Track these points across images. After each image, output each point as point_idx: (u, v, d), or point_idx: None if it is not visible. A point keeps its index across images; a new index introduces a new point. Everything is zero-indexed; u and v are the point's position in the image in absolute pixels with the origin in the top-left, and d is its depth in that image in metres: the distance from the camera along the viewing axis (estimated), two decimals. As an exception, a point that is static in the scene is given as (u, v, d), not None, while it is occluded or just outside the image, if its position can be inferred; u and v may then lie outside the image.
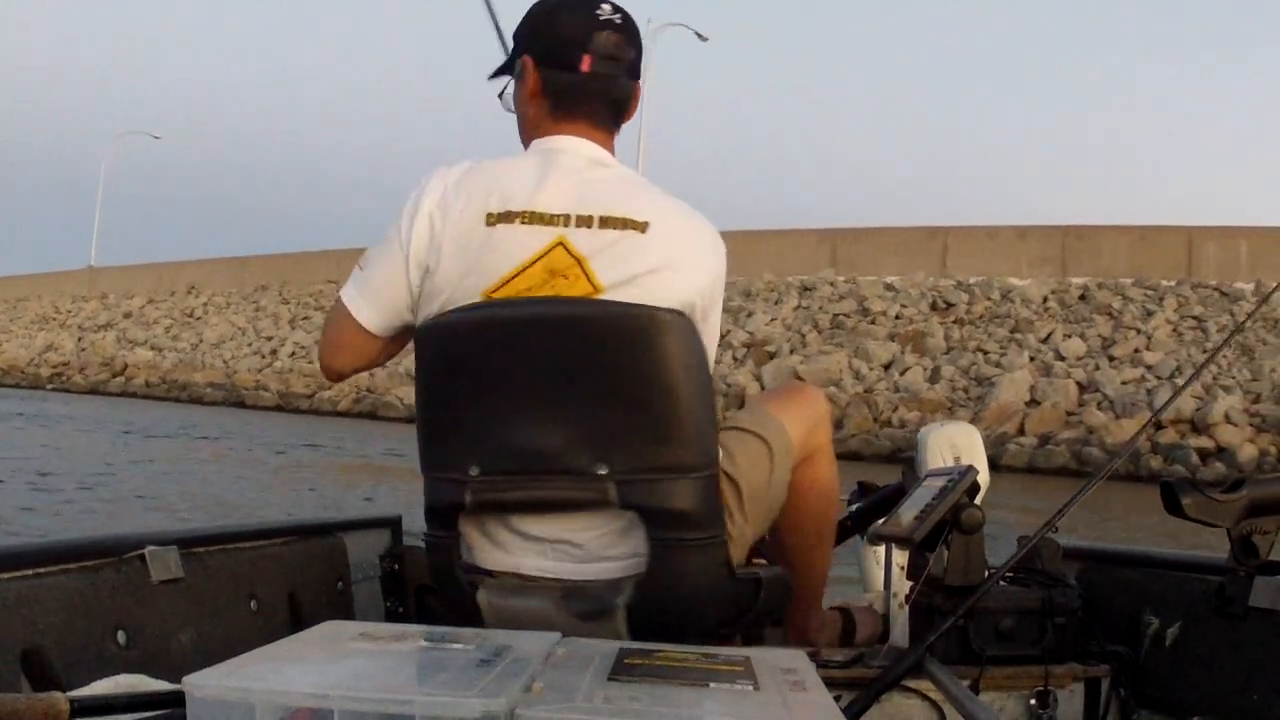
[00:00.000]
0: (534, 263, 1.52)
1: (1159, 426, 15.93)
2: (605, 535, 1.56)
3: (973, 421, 16.11)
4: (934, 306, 23.00)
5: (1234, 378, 17.96)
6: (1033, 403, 17.67)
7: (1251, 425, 16.43)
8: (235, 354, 30.48)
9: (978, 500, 1.74)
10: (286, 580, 1.94)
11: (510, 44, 1.72)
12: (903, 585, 1.92)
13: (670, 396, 1.50)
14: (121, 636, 1.52)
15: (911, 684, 1.61)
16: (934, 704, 1.62)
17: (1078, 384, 18.20)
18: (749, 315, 24.13)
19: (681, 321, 1.52)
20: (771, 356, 21.67)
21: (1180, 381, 17.34)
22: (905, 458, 2.36)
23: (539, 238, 1.52)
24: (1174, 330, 20.49)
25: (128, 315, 37.30)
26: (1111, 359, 19.32)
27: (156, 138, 59.57)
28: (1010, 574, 1.73)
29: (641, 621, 1.52)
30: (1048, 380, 18.33)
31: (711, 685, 1.01)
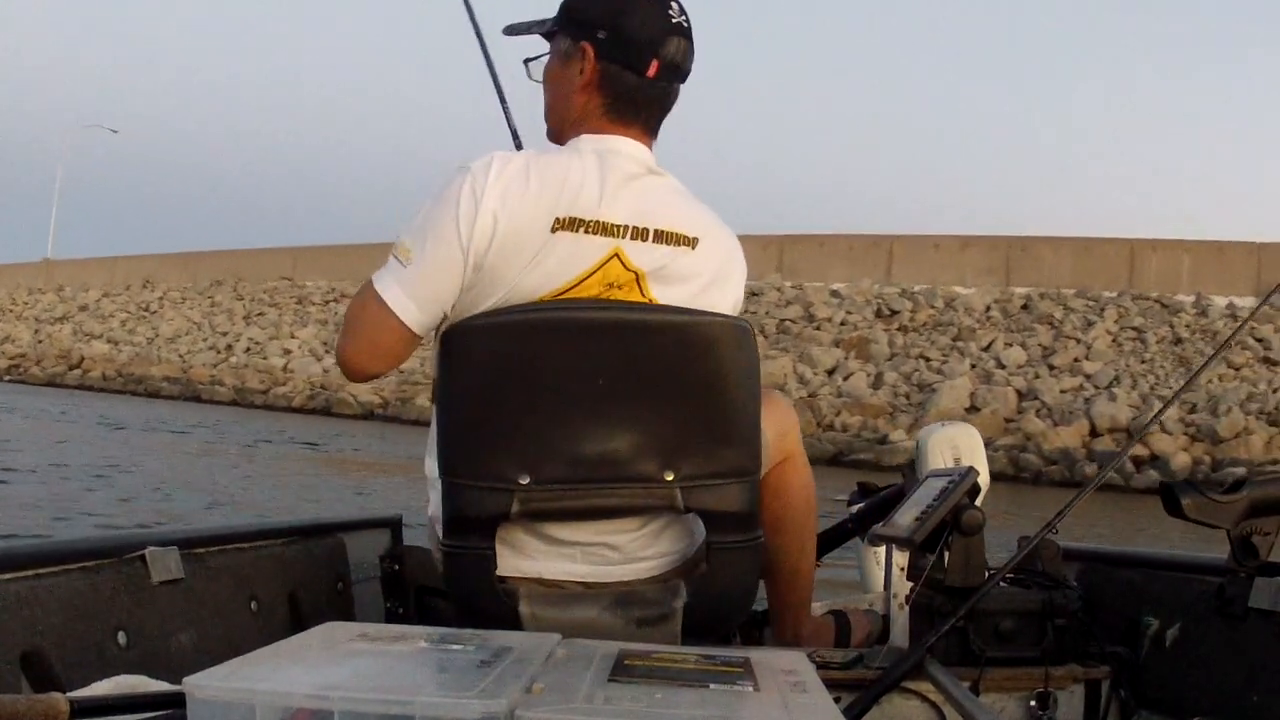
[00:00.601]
0: (592, 273, 1.50)
1: (1094, 433, 16.72)
2: (641, 537, 1.57)
3: (913, 427, 17.22)
4: (879, 314, 23.60)
5: (1170, 388, 18.56)
6: (972, 409, 18.08)
7: (1186, 434, 16.97)
8: (191, 349, 30.52)
9: (978, 502, 1.74)
10: (287, 581, 1.94)
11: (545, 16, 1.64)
12: (903, 586, 1.91)
13: (732, 402, 1.54)
14: (122, 637, 1.52)
15: (911, 685, 1.61)
16: (934, 705, 1.62)
17: (1017, 392, 18.71)
18: None
19: (745, 331, 1.56)
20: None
21: (1132, 391, 17.98)
22: (904, 460, 2.36)
23: (599, 248, 1.50)
24: (1114, 340, 21.06)
25: (84, 308, 37.16)
26: (1051, 368, 19.78)
27: (114, 131, 59.31)
28: (1010, 575, 1.73)
29: (695, 623, 1.54)
30: (988, 387, 18.82)
31: (711, 686, 1.01)
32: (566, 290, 1.50)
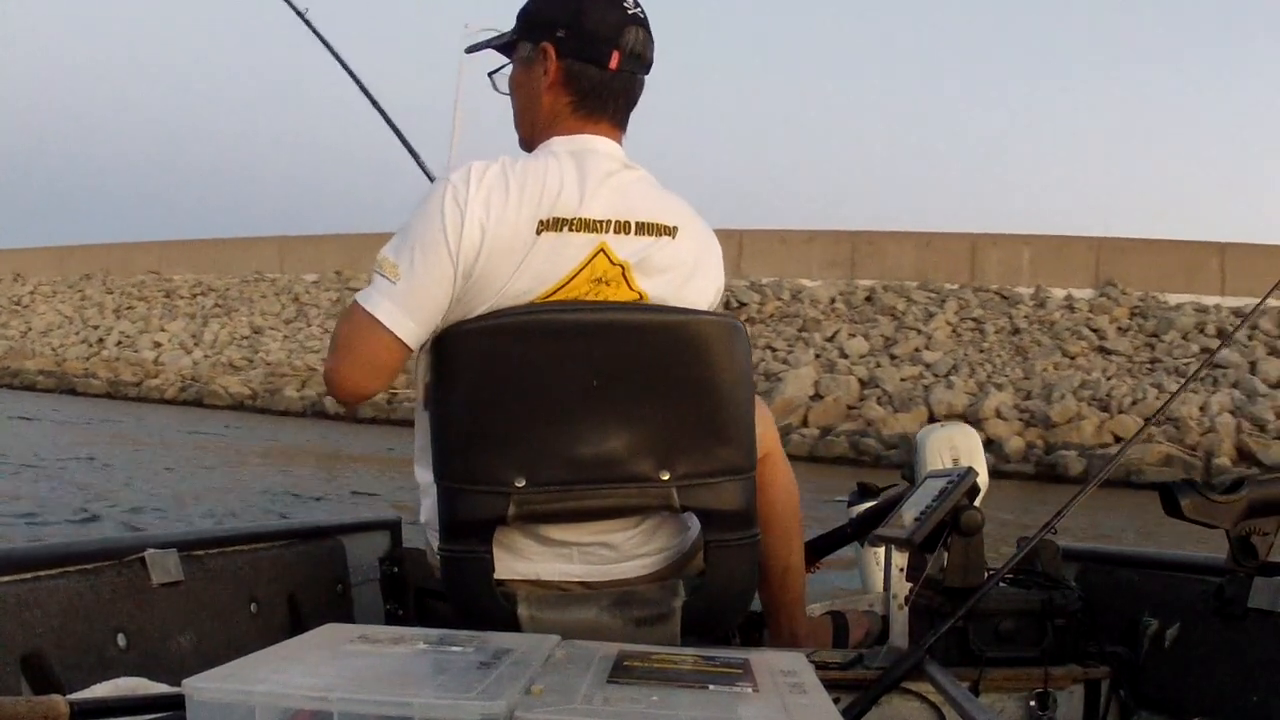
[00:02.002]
0: (580, 271, 1.51)
1: (932, 419, 17.19)
2: (638, 535, 1.58)
3: None
4: (728, 305, 24.19)
5: (1006, 376, 19.44)
6: (816, 397, 18.71)
7: (1020, 420, 17.70)
8: (64, 342, 30.47)
9: (977, 502, 1.74)
10: (286, 583, 1.94)
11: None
12: (902, 587, 1.91)
13: (727, 400, 1.54)
14: (121, 639, 1.52)
15: (911, 686, 1.61)
16: (933, 706, 1.62)
17: (859, 380, 19.34)
18: None
19: (737, 329, 1.56)
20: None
21: (968, 380, 18.65)
22: (903, 462, 2.36)
23: (584, 245, 1.52)
24: (953, 331, 21.88)
25: (-45, 304, 37.11)
26: (892, 357, 20.50)
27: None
28: (1010, 575, 1.73)
29: (693, 622, 1.54)
30: (831, 376, 19.39)
31: (711, 688, 1.01)
32: (555, 290, 1.51)
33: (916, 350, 20.72)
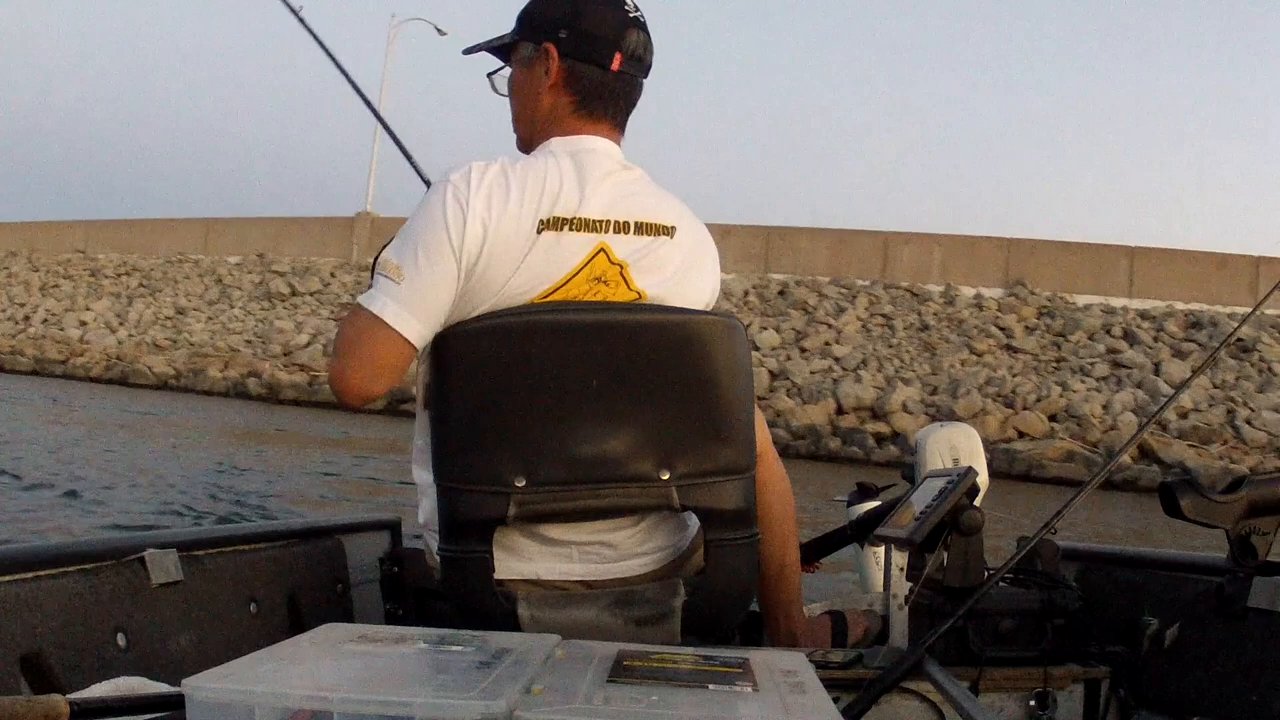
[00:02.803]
0: (580, 270, 1.52)
1: (840, 411, 18.38)
2: (637, 534, 1.58)
3: None
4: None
5: (914, 371, 20.13)
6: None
7: (926, 414, 18.16)
8: None
9: (977, 502, 1.74)
10: (286, 583, 1.94)
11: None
12: (902, 586, 1.91)
13: (726, 399, 1.54)
14: (121, 639, 1.52)
15: (911, 685, 1.61)
16: (933, 705, 1.62)
17: (770, 372, 19.90)
18: None
19: (737, 328, 1.57)
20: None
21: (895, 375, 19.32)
22: (904, 463, 2.36)
23: (584, 244, 1.52)
24: (863, 326, 22.61)
25: (-119, 280, 37.15)
26: (803, 350, 21.18)
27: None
28: (1009, 575, 1.73)
29: (694, 622, 1.54)
30: None
31: (711, 687, 1.01)
32: (555, 289, 1.51)
33: (827, 344, 21.42)
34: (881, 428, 18.03)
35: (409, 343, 1.48)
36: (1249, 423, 17.49)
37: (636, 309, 1.54)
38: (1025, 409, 18.25)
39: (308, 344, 24.41)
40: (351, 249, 30.98)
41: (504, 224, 1.48)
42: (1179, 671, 1.76)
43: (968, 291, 24.00)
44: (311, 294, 28.17)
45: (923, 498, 1.79)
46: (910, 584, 1.80)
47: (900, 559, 1.90)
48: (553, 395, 1.48)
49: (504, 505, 1.47)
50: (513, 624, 1.49)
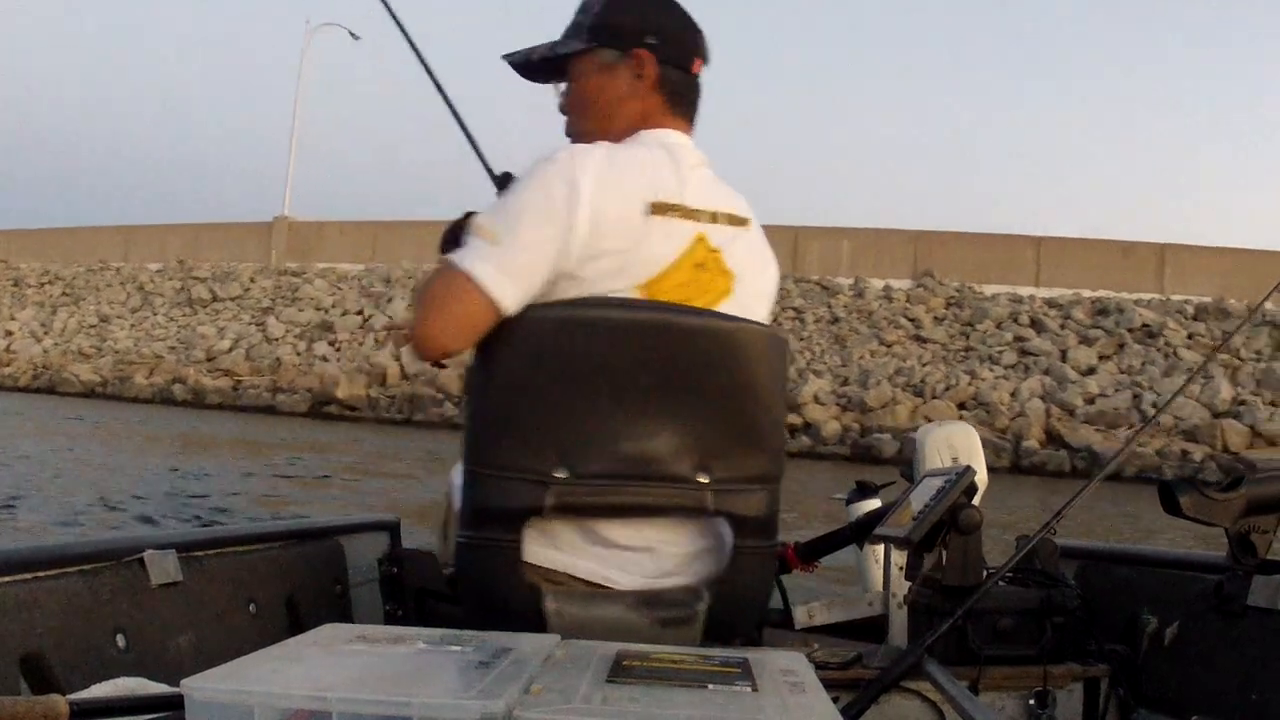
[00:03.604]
0: (684, 255, 1.54)
1: (846, 410, 18.54)
2: (667, 535, 1.58)
3: None
4: None
5: (825, 363, 20.66)
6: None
7: (837, 405, 18.84)
8: None
9: (976, 500, 1.75)
10: (285, 583, 1.94)
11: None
12: (901, 586, 1.92)
13: (766, 409, 1.58)
14: (120, 640, 1.52)
15: (910, 684, 1.61)
16: (933, 704, 1.62)
17: None
18: (389, 301, 25.94)
19: (783, 341, 1.62)
20: (410, 339, 22.97)
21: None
22: (903, 459, 2.37)
23: (687, 231, 1.55)
24: (774, 320, 22.78)
25: None
26: None
27: None
28: (1008, 574, 1.73)
29: (714, 626, 1.55)
30: None
31: (710, 687, 1.01)
32: (664, 274, 1.53)
33: (739, 339, 22.06)
34: (794, 419, 18.29)
35: (497, 304, 1.47)
36: (1154, 406, 17.95)
37: (693, 312, 1.55)
38: (935, 398, 18.72)
39: (230, 349, 24.59)
40: (270, 253, 31.13)
41: (613, 205, 1.49)
42: (1178, 670, 1.76)
43: (877, 283, 24.45)
44: (232, 299, 28.30)
45: (921, 497, 1.79)
46: (909, 583, 1.80)
47: (899, 558, 1.90)
48: (602, 390, 1.48)
49: (541, 495, 1.46)
50: (537, 618, 1.47)
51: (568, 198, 1.47)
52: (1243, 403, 17.88)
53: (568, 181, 1.48)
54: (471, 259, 1.47)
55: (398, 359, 22.10)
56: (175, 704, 0.99)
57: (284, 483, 10.22)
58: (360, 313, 25.64)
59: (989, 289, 24.00)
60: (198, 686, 0.91)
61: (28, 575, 1.43)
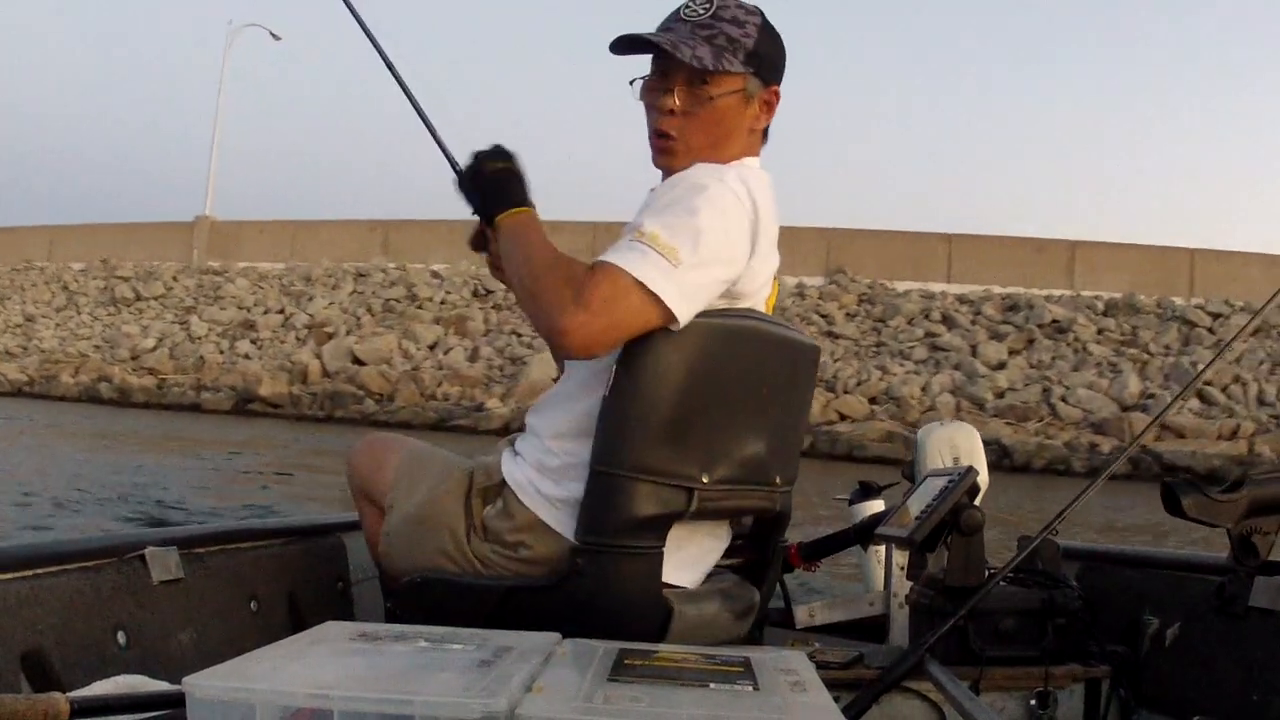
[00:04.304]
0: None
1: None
2: (725, 539, 1.67)
3: (506, 396, 19.53)
4: (475, 293, 25.60)
5: None
6: (558, 379, 19.41)
7: None
8: None
9: (977, 501, 1.74)
10: (287, 581, 1.94)
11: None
12: (903, 586, 1.92)
13: (806, 417, 1.74)
14: (122, 637, 1.52)
15: (911, 685, 1.61)
16: (934, 705, 1.62)
17: None
18: (310, 299, 26.30)
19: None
20: (330, 337, 23.86)
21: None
22: (905, 461, 2.36)
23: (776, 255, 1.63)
24: None
25: None
26: None
27: None
28: (1010, 574, 1.73)
29: (760, 614, 1.70)
30: None
31: (711, 686, 1.01)
32: (772, 285, 1.62)
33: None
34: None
35: (674, 321, 1.43)
36: (1064, 400, 18.31)
37: (795, 328, 1.68)
38: (846, 393, 18.98)
39: (154, 348, 24.71)
40: (192, 253, 31.24)
41: (772, 230, 1.55)
42: (1180, 671, 1.76)
43: (790, 280, 24.60)
44: (156, 298, 28.38)
45: (923, 497, 1.79)
46: (911, 583, 1.80)
47: (901, 558, 1.90)
48: (735, 397, 1.54)
49: (686, 501, 1.48)
50: (659, 622, 1.47)
51: (750, 225, 1.49)
52: (1151, 396, 18.25)
53: (745, 208, 1.48)
54: (653, 275, 1.41)
55: (318, 356, 22.49)
56: (176, 701, 0.98)
57: (215, 476, 10.26)
58: (281, 311, 25.91)
59: (901, 285, 24.38)
60: (199, 684, 0.91)
61: (29, 573, 1.43)
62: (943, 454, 2.17)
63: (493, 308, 24.60)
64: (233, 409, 20.74)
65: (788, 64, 1.63)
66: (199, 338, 25.08)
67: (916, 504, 1.79)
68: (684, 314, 1.43)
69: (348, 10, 1.93)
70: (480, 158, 1.58)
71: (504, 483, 1.56)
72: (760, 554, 1.72)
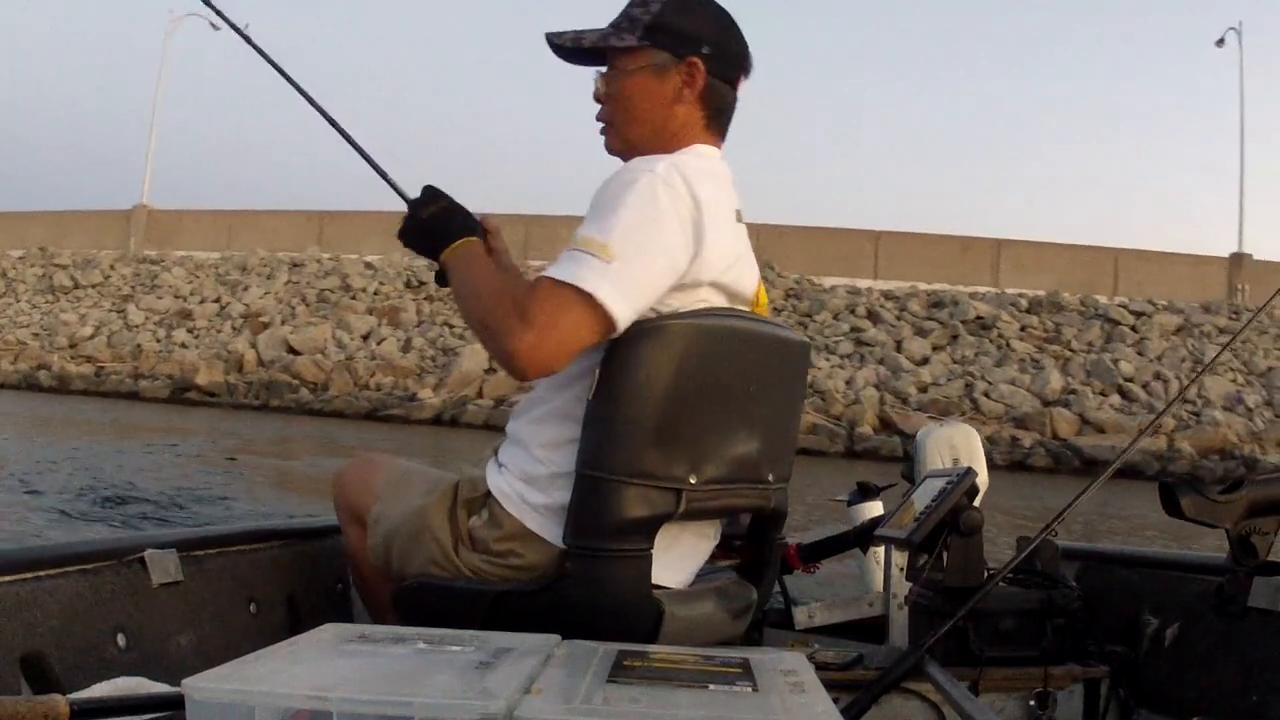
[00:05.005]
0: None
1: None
2: (713, 538, 1.67)
3: (439, 386, 19.77)
4: (408, 284, 25.71)
5: None
6: (491, 370, 19.95)
7: None
8: None
9: (977, 502, 1.74)
10: (286, 583, 1.94)
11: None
12: (902, 587, 1.91)
13: (800, 414, 1.74)
14: (121, 639, 1.52)
15: (911, 685, 1.61)
16: (933, 705, 1.62)
17: None
18: (245, 289, 26.42)
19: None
20: (265, 326, 23.98)
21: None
22: (903, 460, 2.36)
23: (750, 245, 1.62)
24: None
25: None
26: None
27: None
28: (1009, 575, 1.73)
29: (757, 613, 1.70)
30: None
31: (711, 687, 1.01)
32: (755, 283, 1.60)
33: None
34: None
35: (615, 324, 1.41)
36: (986, 395, 18.73)
37: (784, 325, 1.68)
38: None
39: (92, 336, 24.74)
40: (129, 241, 31.27)
41: (721, 216, 1.51)
42: (1179, 671, 1.76)
43: None
44: (94, 286, 28.35)
45: (922, 498, 1.79)
46: (910, 584, 1.80)
47: (900, 559, 1.90)
48: (724, 397, 1.53)
49: (675, 502, 1.47)
50: (650, 624, 1.47)
51: (682, 212, 1.45)
52: (1073, 392, 18.69)
53: (680, 196, 1.45)
54: (589, 277, 1.40)
55: (254, 346, 22.66)
56: (176, 704, 0.99)
57: (158, 461, 10.23)
58: (217, 300, 25.99)
59: (828, 281, 24.70)
60: (198, 686, 0.91)
61: (29, 575, 1.43)
62: (942, 455, 2.17)
63: (425, 299, 24.88)
64: (170, 397, 20.90)
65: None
66: (136, 326, 25.19)
67: (916, 505, 1.79)
68: (622, 311, 1.41)
69: (275, 69, 1.89)
70: (413, 206, 1.58)
71: (489, 493, 1.55)
72: (758, 552, 1.71)
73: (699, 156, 1.56)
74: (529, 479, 1.53)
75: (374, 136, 1.84)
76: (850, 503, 2.39)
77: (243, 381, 21.34)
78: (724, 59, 1.58)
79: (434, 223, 1.56)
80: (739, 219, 1.58)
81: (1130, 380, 19.10)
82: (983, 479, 1.83)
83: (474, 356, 20.19)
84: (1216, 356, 2.42)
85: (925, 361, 20.23)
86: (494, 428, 18.05)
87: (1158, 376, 19.17)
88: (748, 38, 1.63)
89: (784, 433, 1.65)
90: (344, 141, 1.75)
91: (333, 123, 1.76)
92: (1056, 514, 1.68)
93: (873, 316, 22.40)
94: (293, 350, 22.17)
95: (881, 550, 2.22)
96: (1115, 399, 18.55)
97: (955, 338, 21.21)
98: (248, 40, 1.92)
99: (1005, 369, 19.66)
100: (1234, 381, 19.12)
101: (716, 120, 1.61)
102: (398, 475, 1.70)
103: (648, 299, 1.44)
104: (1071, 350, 20.52)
